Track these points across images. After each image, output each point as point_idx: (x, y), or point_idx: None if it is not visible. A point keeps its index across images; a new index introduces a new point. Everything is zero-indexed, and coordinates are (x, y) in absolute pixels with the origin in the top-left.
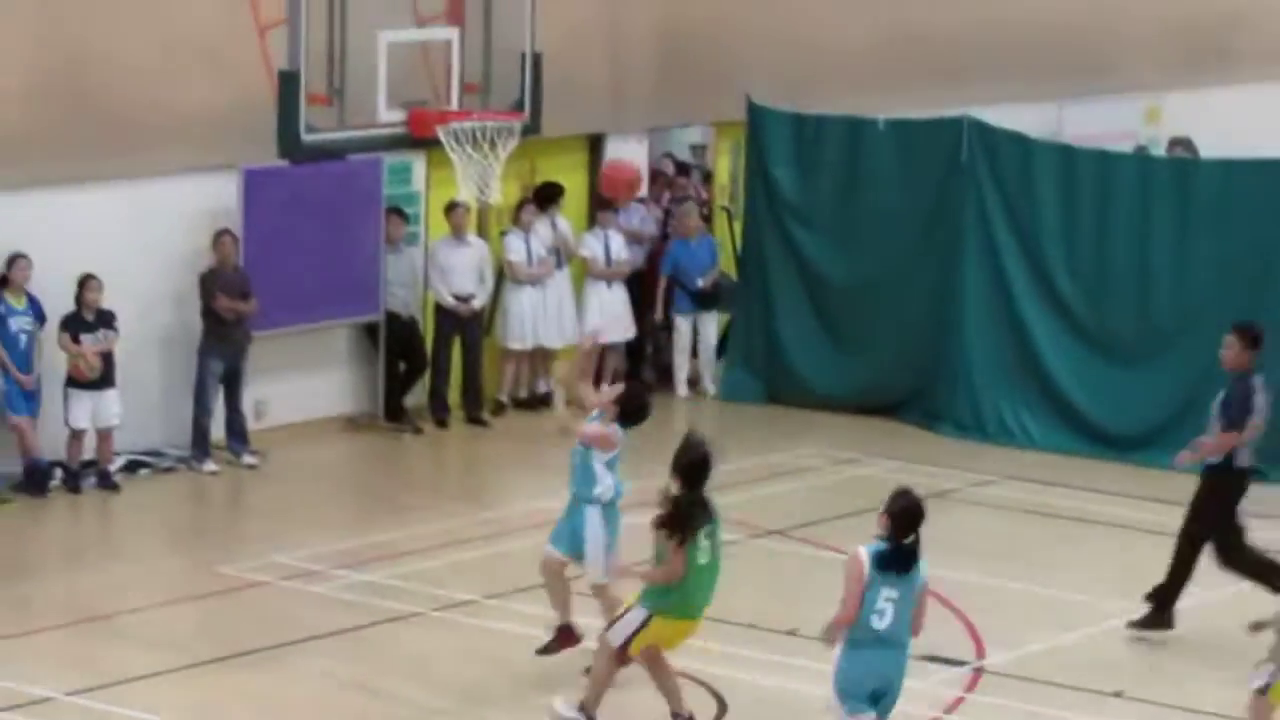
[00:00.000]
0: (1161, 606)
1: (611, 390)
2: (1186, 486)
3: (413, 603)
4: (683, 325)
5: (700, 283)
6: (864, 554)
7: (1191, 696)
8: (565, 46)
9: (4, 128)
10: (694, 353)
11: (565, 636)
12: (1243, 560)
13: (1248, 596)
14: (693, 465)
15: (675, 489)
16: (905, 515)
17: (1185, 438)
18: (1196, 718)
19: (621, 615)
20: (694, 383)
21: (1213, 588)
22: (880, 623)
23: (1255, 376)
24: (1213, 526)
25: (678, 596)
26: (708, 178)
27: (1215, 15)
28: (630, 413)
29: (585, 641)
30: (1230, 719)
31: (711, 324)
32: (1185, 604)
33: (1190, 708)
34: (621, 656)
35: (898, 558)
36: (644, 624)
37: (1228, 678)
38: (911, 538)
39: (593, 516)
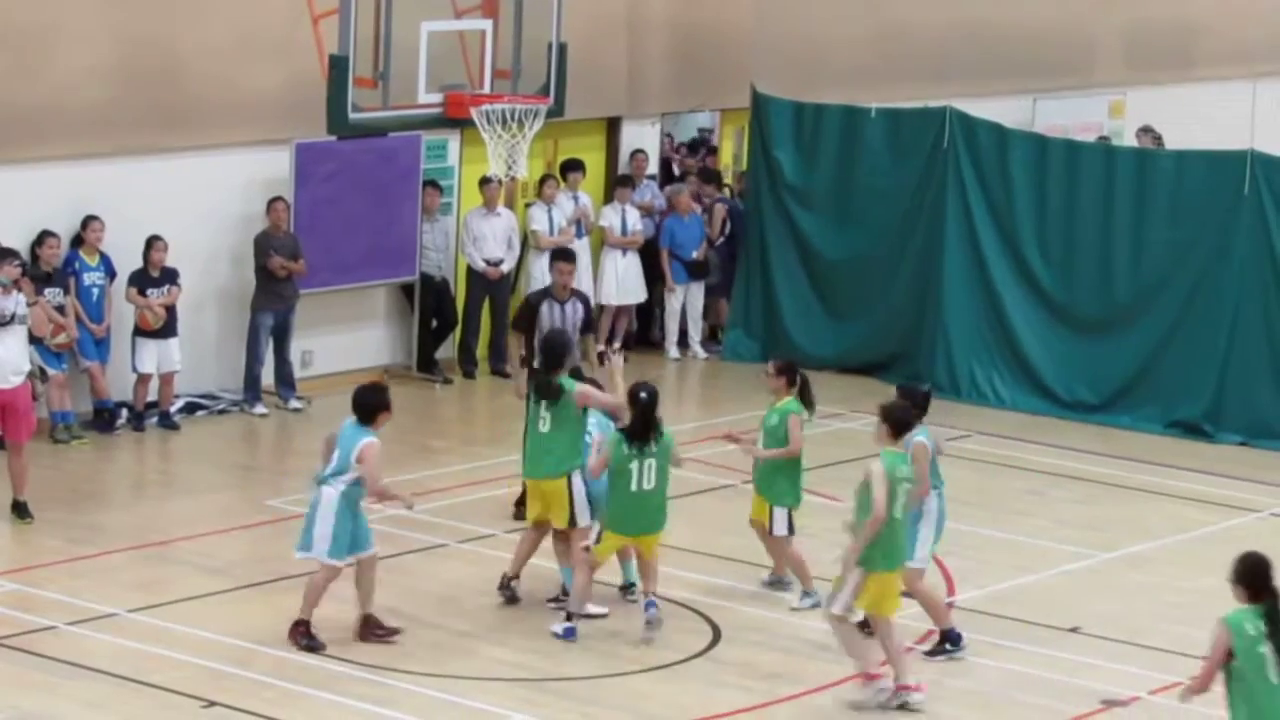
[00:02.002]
0: None
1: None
2: (1141, 445)
3: (440, 535)
4: (678, 293)
5: (694, 254)
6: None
7: (1141, 633)
8: (587, 38)
9: (87, 103)
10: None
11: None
12: None
13: (1196, 543)
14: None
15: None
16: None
17: (1141, 402)
18: (1146, 652)
19: None
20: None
21: (1164, 536)
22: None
23: None
24: None
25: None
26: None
27: (1176, 19)
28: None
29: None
30: (1175, 654)
31: (700, 293)
32: (1139, 549)
33: (1140, 643)
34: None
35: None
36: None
37: (1178, 617)
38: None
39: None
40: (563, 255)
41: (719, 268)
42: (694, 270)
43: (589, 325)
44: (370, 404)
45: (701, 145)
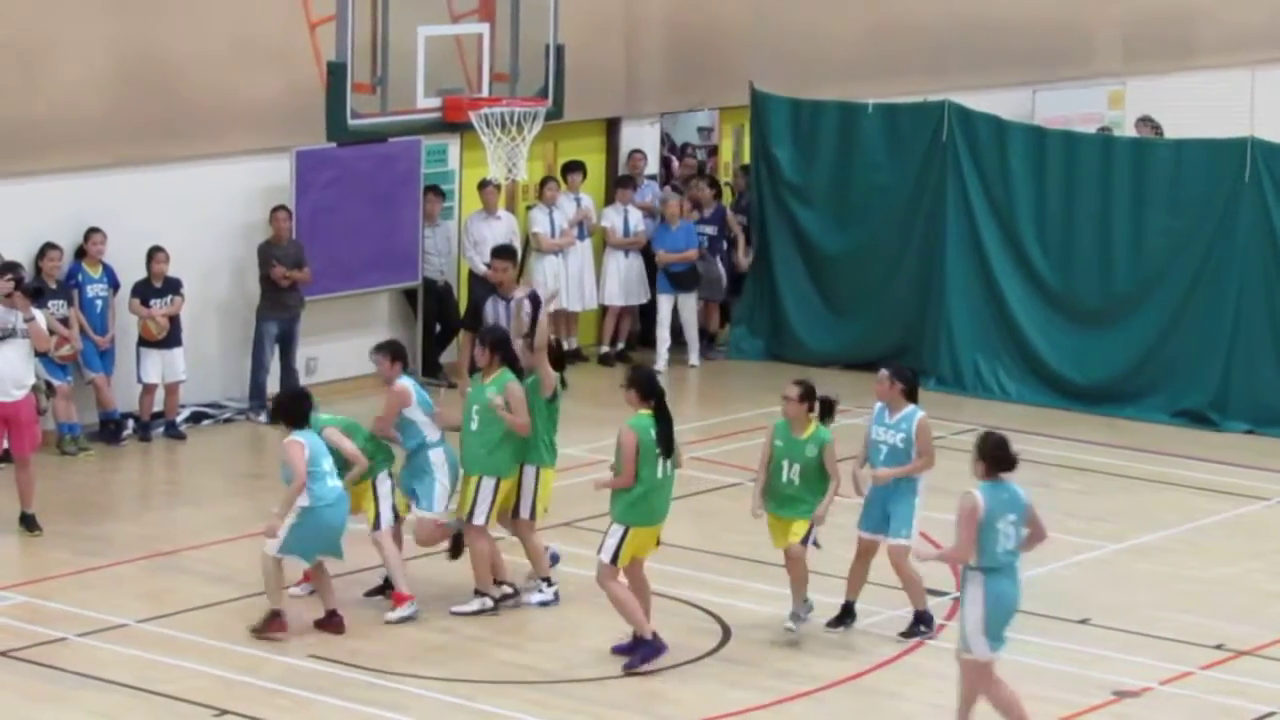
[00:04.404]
0: None
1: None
2: (1147, 435)
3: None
4: (663, 303)
5: (676, 266)
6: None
7: (1151, 624)
8: (585, 39)
9: (85, 115)
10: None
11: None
12: None
13: (1205, 532)
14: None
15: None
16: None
17: (1146, 392)
18: (1156, 643)
19: None
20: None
21: (1172, 525)
22: None
23: None
24: None
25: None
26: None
27: (1174, 8)
28: None
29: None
30: (1186, 644)
31: (691, 304)
32: (1147, 539)
33: (1150, 634)
34: None
35: None
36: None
37: (1188, 606)
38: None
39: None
40: (496, 253)
41: (714, 281)
42: (679, 281)
43: (533, 325)
44: (305, 409)
45: (687, 148)
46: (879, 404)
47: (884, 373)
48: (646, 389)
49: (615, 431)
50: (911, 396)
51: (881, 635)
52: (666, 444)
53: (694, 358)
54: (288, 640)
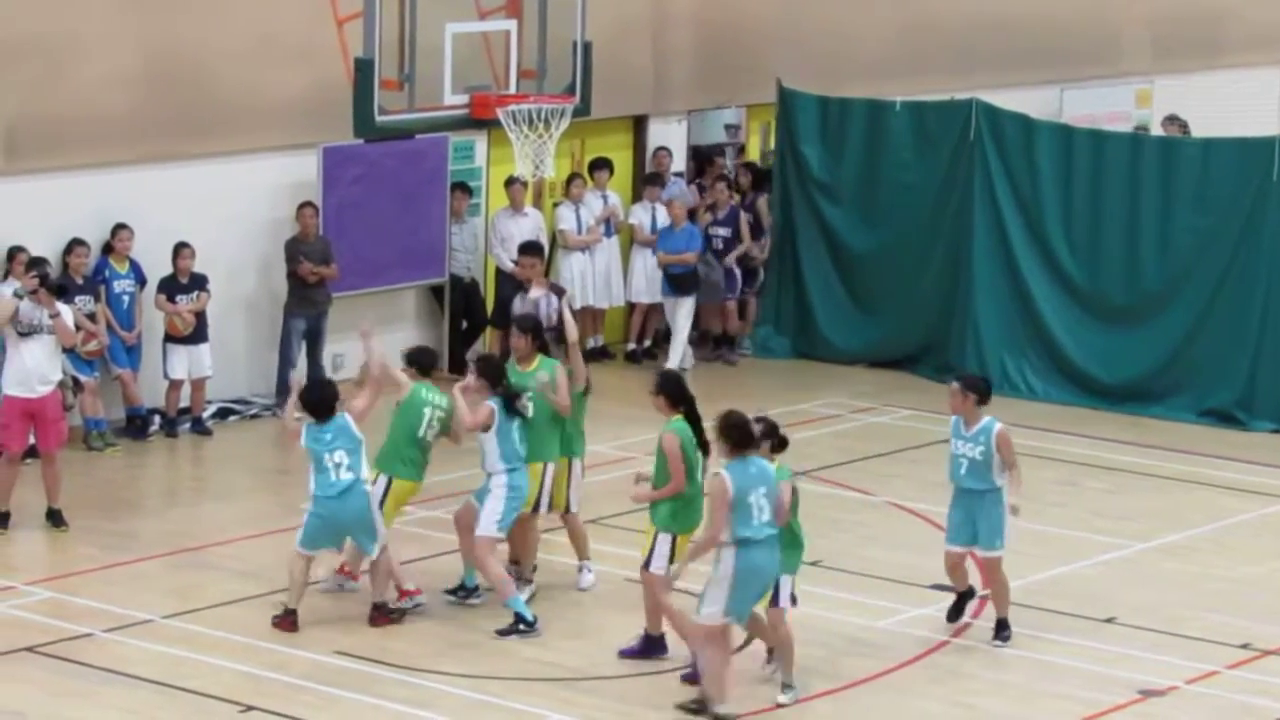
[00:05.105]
0: None
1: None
2: (1174, 434)
3: None
4: (665, 307)
5: (675, 269)
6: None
7: (1177, 623)
8: (612, 36)
9: (114, 111)
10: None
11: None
12: None
13: (1232, 531)
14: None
15: None
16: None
17: (1173, 391)
18: (1182, 642)
19: None
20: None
21: (1199, 525)
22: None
23: None
24: None
25: None
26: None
27: (1202, 6)
28: None
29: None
30: (1212, 643)
31: (684, 308)
32: (1174, 538)
33: (1177, 633)
34: None
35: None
36: None
37: (1214, 606)
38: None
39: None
40: (525, 249)
41: (714, 285)
42: (679, 283)
43: (561, 320)
44: (329, 402)
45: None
46: (954, 417)
47: (955, 385)
48: (676, 394)
49: (641, 429)
50: (983, 403)
51: (906, 634)
52: (704, 447)
53: (674, 360)
54: (309, 635)
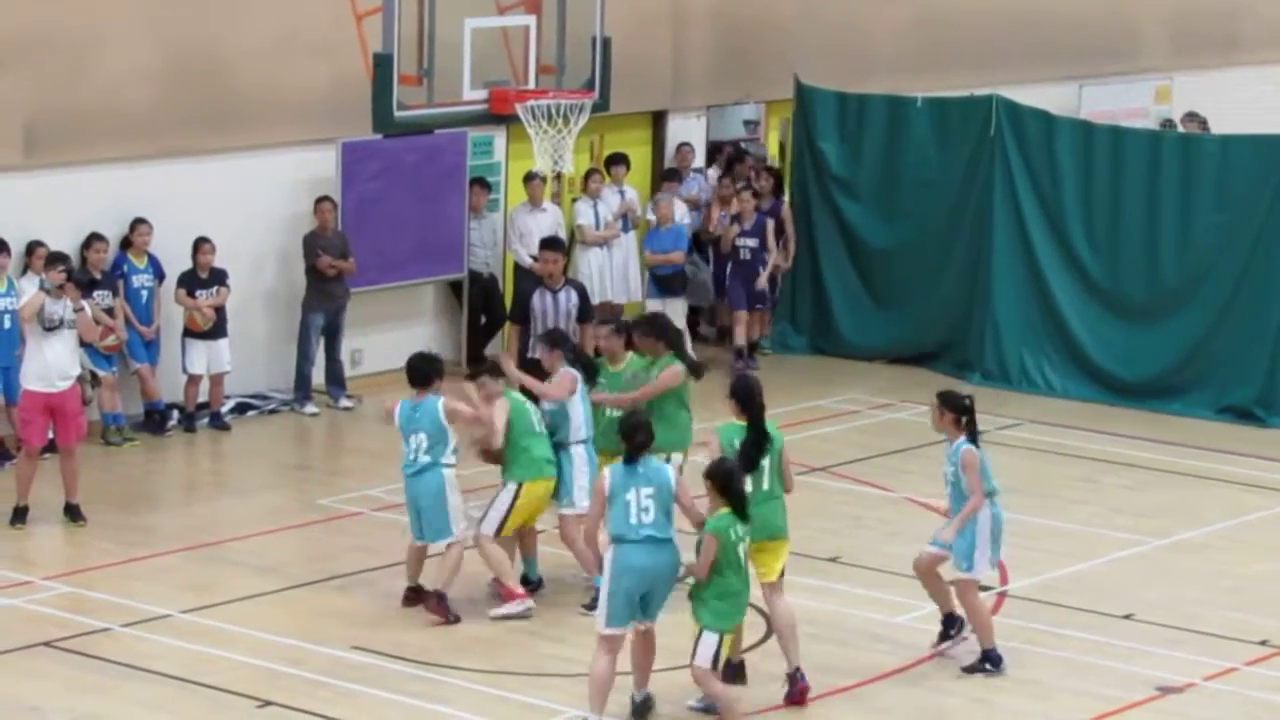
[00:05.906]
0: None
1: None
2: (1193, 430)
3: None
4: (651, 308)
5: (662, 270)
6: None
7: (1195, 620)
8: (631, 32)
9: (132, 106)
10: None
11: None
12: None
13: (1250, 528)
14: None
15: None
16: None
17: (1191, 388)
18: (1200, 639)
19: None
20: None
21: (1217, 521)
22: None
23: None
24: None
25: None
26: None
27: (1221, 4)
28: None
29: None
30: (1230, 640)
31: (674, 310)
32: (1192, 535)
33: (1195, 630)
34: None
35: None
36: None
37: (1232, 602)
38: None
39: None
40: (545, 244)
41: (701, 285)
42: (666, 284)
43: (586, 313)
44: (425, 371)
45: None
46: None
47: (934, 400)
48: (746, 400)
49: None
50: (964, 426)
51: (925, 630)
52: (750, 457)
53: None
54: (326, 630)
